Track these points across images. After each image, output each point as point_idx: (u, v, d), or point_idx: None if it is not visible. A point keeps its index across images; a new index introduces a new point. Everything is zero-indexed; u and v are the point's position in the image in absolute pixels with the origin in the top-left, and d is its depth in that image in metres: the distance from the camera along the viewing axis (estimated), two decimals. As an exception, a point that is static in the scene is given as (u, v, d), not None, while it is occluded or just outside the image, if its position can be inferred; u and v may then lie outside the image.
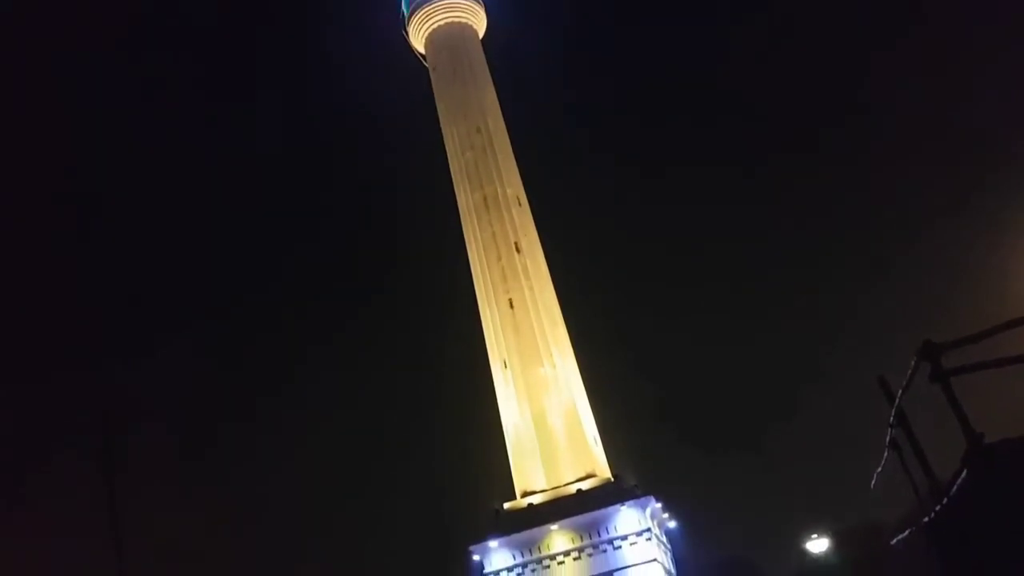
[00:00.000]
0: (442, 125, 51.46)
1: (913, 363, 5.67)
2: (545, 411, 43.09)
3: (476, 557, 40.78)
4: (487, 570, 40.24)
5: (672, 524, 43.20)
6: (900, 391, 6.32)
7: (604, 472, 42.42)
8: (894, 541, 8.68)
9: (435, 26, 53.08)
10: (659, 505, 41.04)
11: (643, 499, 39.61)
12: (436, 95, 52.39)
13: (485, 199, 47.73)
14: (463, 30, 53.46)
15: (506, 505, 41.98)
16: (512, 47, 64.00)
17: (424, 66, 53.53)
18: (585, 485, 40.79)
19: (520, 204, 48.54)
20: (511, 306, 45.14)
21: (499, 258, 46.30)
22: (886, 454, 7.54)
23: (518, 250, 46.35)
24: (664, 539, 42.13)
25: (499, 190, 47.79)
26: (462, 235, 48.72)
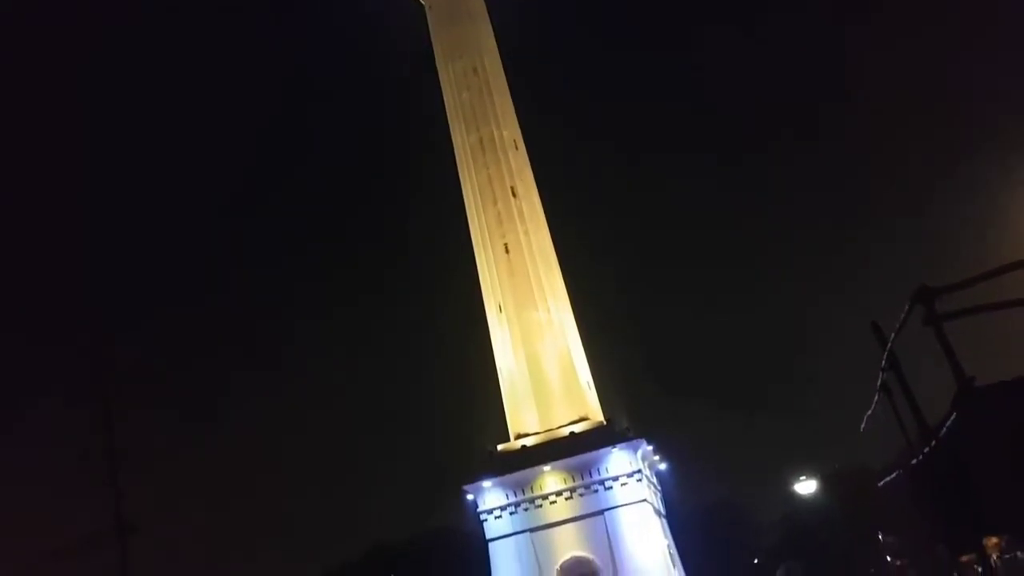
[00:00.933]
0: (438, 65, 50.58)
1: (907, 307, 5.68)
2: (539, 355, 43.39)
3: (470, 496, 41.50)
4: (480, 508, 41.00)
5: (663, 466, 43.95)
6: (892, 335, 6.35)
7: (597, 416, 42.93)
8: (881, 483, 8.82)
9: (431, -38, 51.87)
10: (650, 448, 41.68)
11: (634, 442, 40.19)
12: (432, 34, 51.41)
13: (481, 141, 47.26)
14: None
15: (500, 447, 42.56)
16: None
17: (420, 3, 52.44)
18: (578, 428, 41.33)
19: (517, 148, 48.09)
20: (507, 251, 45.08)
21: (495, 202, 46.06)
22: (876, 397, 7.61)
23: (514, 194, 46.10)
24: (654, 480, 42.89)
25: (495, 132, 47.29)
26: (458, 178, 48.38)
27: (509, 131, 48.00)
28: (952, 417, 5.31)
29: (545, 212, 47.53)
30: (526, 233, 45.51)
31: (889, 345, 6.63)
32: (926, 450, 6.24)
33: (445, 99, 49.70)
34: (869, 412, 7.93)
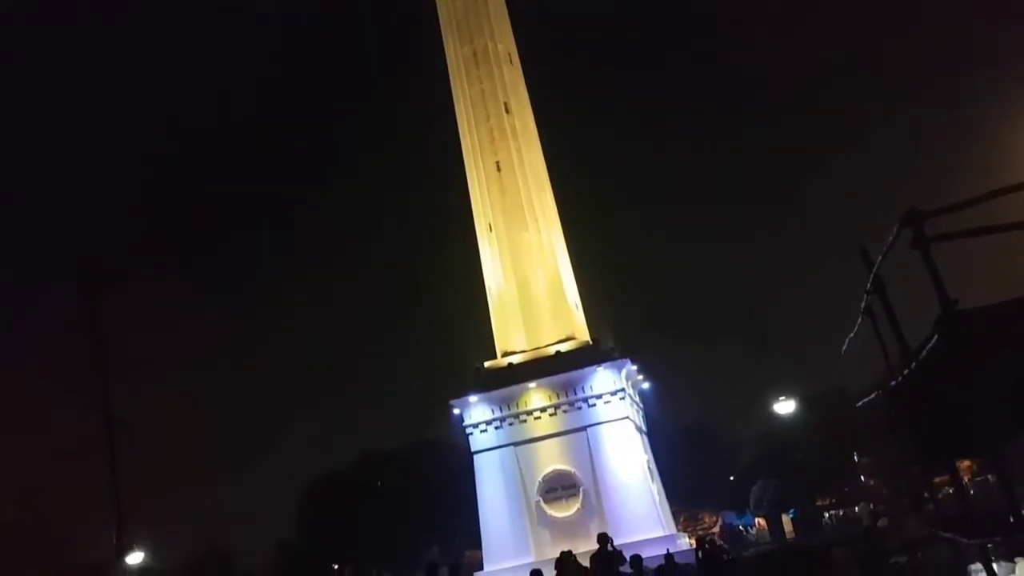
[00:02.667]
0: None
1: (895, 230, 5.63)
2: (528, 275, 43.45)
3: (456, 411, 42.19)
4: (466, 423, 41.76)
5: (646, 386, 44.70)
6: (880, 257, 6.32)
7: (583, 335, 43.33)
8: (859, 404, 8.93)
9: None
10: (634, 367, 42.29)
11: (619, 361, 40.73)
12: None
13: (475, 54, 46.12)
14: None
15: (487, 364, 43.04)
16: None
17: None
18: (564, 347, 41.75)
19: (511, 62, 47.01)
20: (498, 168, 44.59)
21: (487, 118, 45.28)
22: (860, 320, 7.63)
23: (507, 110, 45.29)
24: (637, 399, 43.67)
25: (490, 45, 46.12)
26: (450, 93, 47.39)
27: (504, 44, 46.85)
28: (933, 340, 5.32)
29: (538, 130, 46.86)
30: (518, 151, 44.94)
31: (875, 268, 6.60)
32: (905, 372, 6.29)
33: (438, 5, 48.25)
34: (851, 335, 7.96)
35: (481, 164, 45.00)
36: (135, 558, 30.38)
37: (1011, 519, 5.66)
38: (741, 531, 62.06)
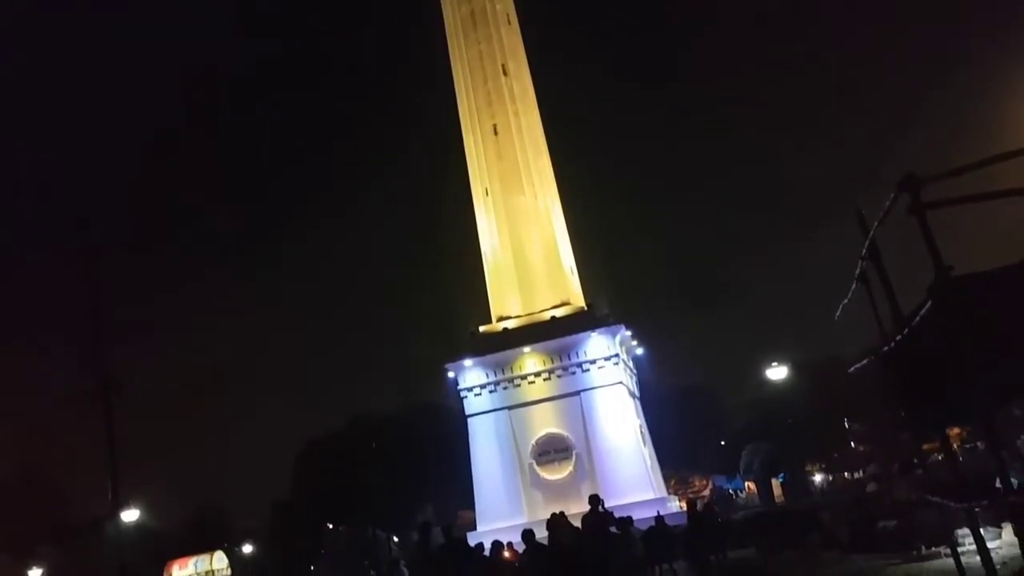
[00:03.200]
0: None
1: (892, 195, 5.61)
2: (524, 240, 43.38)
3: (451, 374, 42.42)
4: (461, 386, 42.00)
5: (640, 351, 44.91)
6: (876, 223, 6.30)
7: (578, 301, 43.42)
8: (852, 369, 8.97)
9: None
10: (628, 333, 42.45)
11: (613, 327, 40.88)
12: None
13: (473, 14, 45.50)
14: None
15: (482, 328, 43.17)
16: None
17: None
18: (559, 312, 41.86)
19: (510, 23, 46.41)
20: (495, 132, 44.26)
21: (485, 80, 44.84)
22: (854, 286, 7.63)
23: (505, 72, 44.83)
24: (631, 365, 43.90)
25: (488, 4, 45.49)
26: (447, 54, 46.84)
27: (503, 4, 46.22)
28: (927, 306, 5.33)
29: (536, 92, 46.43)
30: (516, 114, 44.58)
31: (871, 233, 6.59)
32: (898, 338, 6.31)
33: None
34: (845, 301, 7.97)
35: (478, 128, 44.66)
36: (130, 515, 30.67)
37: (999, 484, 5.72)
38: (731, 495, 62.83)
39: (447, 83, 46.31)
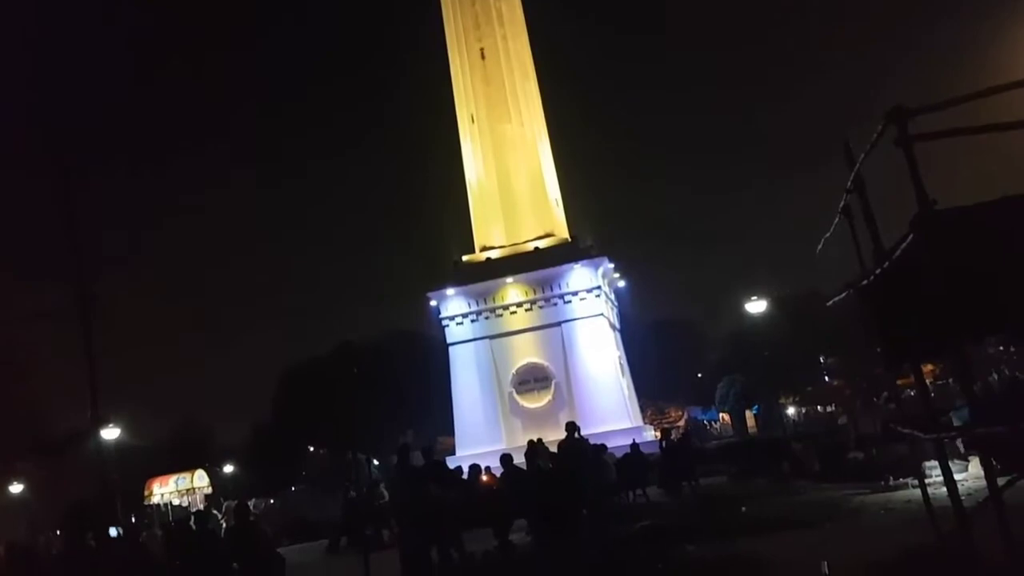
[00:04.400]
0: None
1: (880, 127, 5.54)
2: (510, 169, 42.96)
3: (433, 303, 42.49)
4: (443, 315, 42.13)
5: (621, 284, 45.10)
6: (862, 155, 6.25)
7: (562, 232, 43.32)
8: (830, 302, 9.05)
9: None
10: (611, 266, 42.55)
11: (596, 259, 40.95)
12: None
13: (461, -68, 44.06)
14: None
15: (465, 258, 43.08)
16: None
17: None
18: (543, 243, 41.82)
19: (500, -61, 44.95)
20: (482, 56, 43.34)
21: (473, 2, 43.69)
22: (837, 219, 7.62)
23: (494, -7, 43.64)
24: (612, 297, 44.14)
25: (477, -79, 44.01)
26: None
27: (492, -78, 44.69)
28: (908, 238, 5.33)
29: (526, 17, 45.31)
30: (504, 39, 43.60)
31: (857, 165, 6.54)
32: (878, 272, 6.34)
33: None
34: (827, 235, 7.98)
35: (465, 52, 43.68)
36: (111, 433, 30.87)
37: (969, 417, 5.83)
38: (705, 425, 64.08)
39: (434, 4, 45.09)
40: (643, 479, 22.37)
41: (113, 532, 19.99)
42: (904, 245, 5.41)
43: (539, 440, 18.22)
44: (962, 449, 15.63)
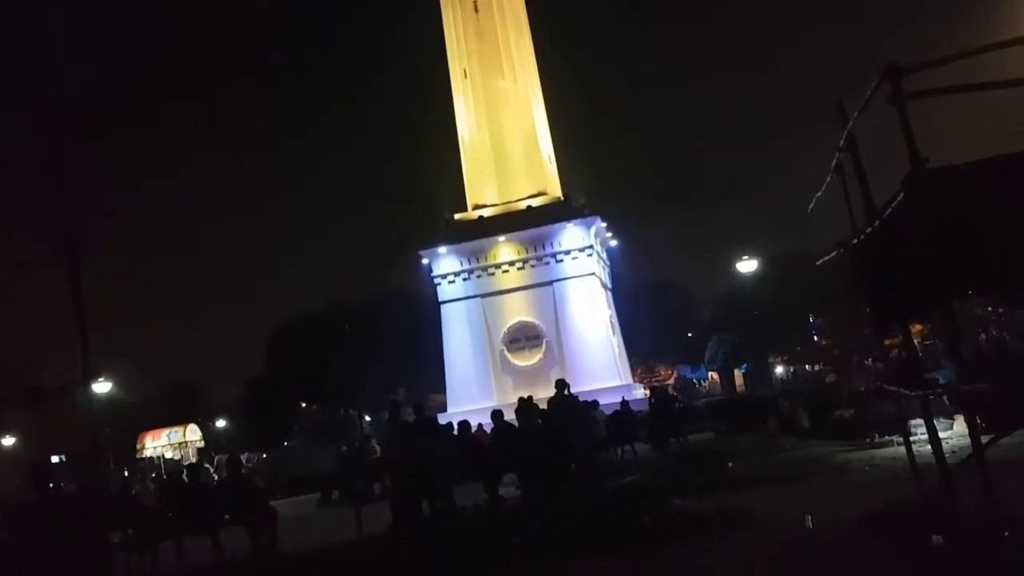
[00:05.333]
0: None
1: (874, 84, 5.51)
2: (503, 125, 42.60)
3: (425, 261, 42.43)
4: (435, 273, 42.10)
5: (614, 243, 45.09)
6: (856, 113, 6.23)
7: (555, 191, 43.15)
8: (820, 261, 9.08)
9: None
10: (603, 225, 42.49)
11: (589, 218, 40.87)
12: None
13: None
14: None
15: (457, 216, 42.92)
16: None
17: None
18: (535, 202, 41.66)
19: None
20: (475, 9, 42.65)
21: (466, -46, 42.90)
22: (829, 178, 7.61)
23: (488, -56, 42.83)
24: (604, 256, 44.16)
25: None
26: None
27: None
28: (899, 197, 5.34)
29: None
30: (498, -8, 42.92)
31: (850, 123, 6.52)
32: (868, 230, 6.35)
33: None
34: (819, 194, 7.97)
35: (458, 5, 43.00)
36: (102, 387, 30.95)
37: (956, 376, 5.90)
38: (694, 383, 64.55)
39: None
40: (632, 435, 22.62)
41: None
42: (895, 204, 5.42)
43: (529, 397, 18.39)
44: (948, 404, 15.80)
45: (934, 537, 6.56)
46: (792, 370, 62.35)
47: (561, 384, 17.34)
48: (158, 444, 48.54)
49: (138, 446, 48.57)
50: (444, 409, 39.50)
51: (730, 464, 16.45)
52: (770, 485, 12.85)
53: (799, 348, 58.22)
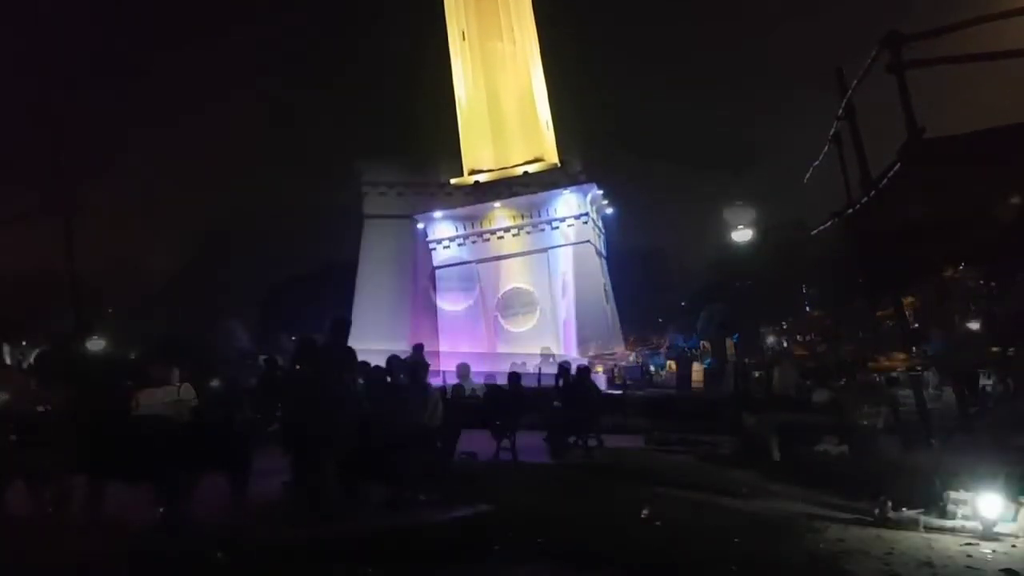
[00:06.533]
0: None
1: (874, 52, 5.48)
2: (500, 89, 42.23)
3: (420, 226, 42.29)
4: (430, 238, 41.99)
5: (609, 211, 44.96)
6: (855, 81, 6.20)
7: (552, 157, 42.90)
8: (815, 231, 9.10)
9: None
10: (600, 192, 42.33)
11: (585, 186, 40.73)
12: None
13: None
14: None
15: (453, 181, 42.71)
16: None
17: None
18: (532, 168, 41.45)
19: None
20: (474, -31, 42.08)
21: (465, -90, 42.18)
22: (827, 147, 7.60)
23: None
24: (600, 224, 44.06)
25: None
26: None
27: None
28: (896, 166, 5.34)
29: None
30: (497, -50, 42.33)
31: (849, 92, 6.50)
32: (864, 200, 6.36)
33: None
34: (816, 162, 7.94)
35: (456, -35, 42.41)
36: (96, 344, 30.91)
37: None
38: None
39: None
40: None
41: None
42: (891, 173, 5.42)
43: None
44: (937, 380, 15.89)
45: None
46: (784, 341, 62.47)
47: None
48: (153, 401, 48.61)
49: (132, 405, 48.65)
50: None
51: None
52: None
53: (791, 319, 58.35)
